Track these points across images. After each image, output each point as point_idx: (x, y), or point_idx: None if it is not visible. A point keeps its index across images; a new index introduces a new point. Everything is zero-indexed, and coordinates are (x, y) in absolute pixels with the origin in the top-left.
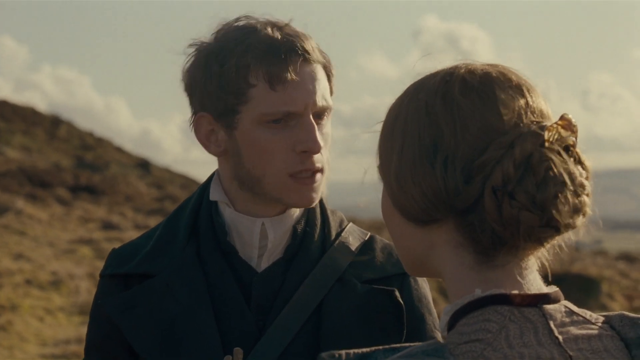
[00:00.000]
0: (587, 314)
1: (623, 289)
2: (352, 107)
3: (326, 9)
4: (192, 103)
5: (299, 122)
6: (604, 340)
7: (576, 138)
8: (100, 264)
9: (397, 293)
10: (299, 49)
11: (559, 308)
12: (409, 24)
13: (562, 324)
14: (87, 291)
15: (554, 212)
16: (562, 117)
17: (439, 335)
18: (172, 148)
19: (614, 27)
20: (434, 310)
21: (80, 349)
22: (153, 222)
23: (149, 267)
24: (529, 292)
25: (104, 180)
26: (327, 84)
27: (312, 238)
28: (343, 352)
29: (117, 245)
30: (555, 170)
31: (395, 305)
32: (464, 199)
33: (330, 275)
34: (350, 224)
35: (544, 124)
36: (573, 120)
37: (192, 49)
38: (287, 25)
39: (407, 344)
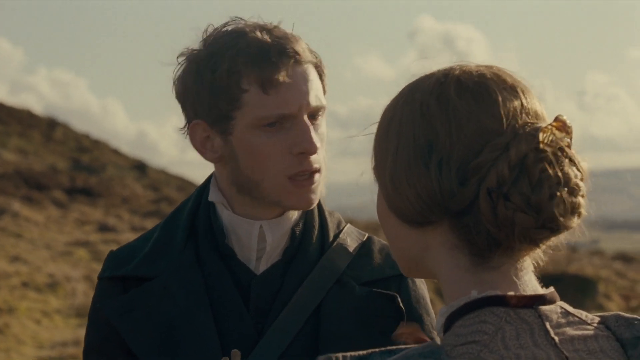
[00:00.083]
0: (582, 314)
1: (620, 289)
2: (348, 107)
3: (322, 10)
4: (186, 111)
5: (293, 124)
6: (600, 341)
7: (571, 139)
8: (96, 266)
9: (398, 299)
10: (289, 50)
11: (555, 309)
12: (404, 24)
13: (558, 325)
14: (83, 293)
15: (549, 213)
16: (556, 119)
17: (437, 336)
18: (168, 150)
19: (610, 27)
20: (432, 311)
21: (77, 351)
22: (149, 224)
23: (147, 270)
24: (525, 294)
25: (100, 183)
26: (319, 83)
27: (311, 240)
28: (340, 355)
29: (113, 247)
30: (550, 171)
31: (396, 310)
32: (459, 200)
33: (328, 278)
34: (348, 224)
35: (539, 125)
36: (567, 121)
37: (182, 57)
38: (275, 27)
39: (403, 346)
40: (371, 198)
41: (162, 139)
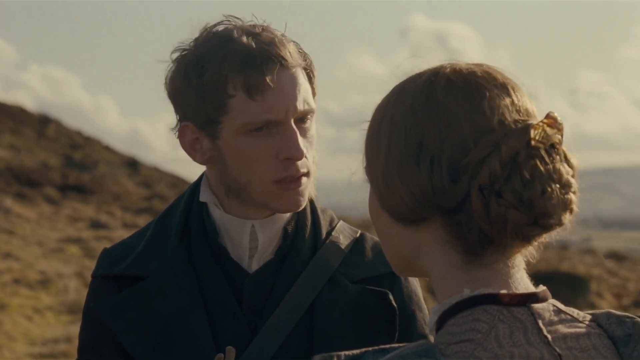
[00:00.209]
0: (574, 312)
1: (612, 288)
2: (341, 105)
3: (315, 7)
4: (176, 111)
5: (280, 129)
6: (592, 339)
7: (562, 136)
8: (88, 263)
9: (390, 296)
10: (275, 56)
11: (547, 307)
12: (397, 22)
13: (551, 323)
14: (75, 290)
15: (541, 209)
16: (547, 115)
17: (430, 333)
18: (160, 147)
19: (602, 25)
20: (425, 307)
21: (68, 347)
22: (142, 221)
23: (140, 269)
24: (517, 292)
25: (92, 179)
26: (308, 86)
27: (303, 238)
28: (334, 354)
29: (105, 244)
30: (541, 168)
31: (388, 308)
32: (451, 198)
33: (321, 276)
34: (341, 222)
35: (530, 122)
36: (559, 118)
37: (175, 54)
38: (264, 30)
39: (396, 345)
40: (363, 196)
41: (154, 136)
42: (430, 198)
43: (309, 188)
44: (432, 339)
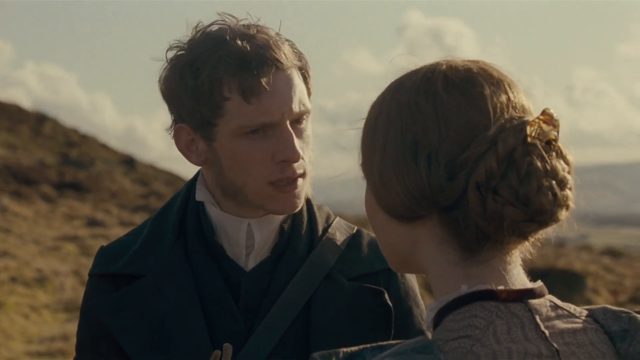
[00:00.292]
0: (571, 307)
1: (608, 284)
2: (337, 103)
3: (311, 5)
4: (171, 112)
5: (276, 131)
6: (589, 334)
7: (558, 132)
8: (85, 261)
9: (386, 295)
10: (269, 60)
11: (544, 302)
12: (393, 20)
13: (548, 319)
14: (72, 288)
15: (537, 206)
16: (543, 112)
17: (427, 329)
18: (157, 145)
19: (599, 22)
20: (422, 303)
21: (65, 346)
22: (138, 218)
23: (137, 268)
24: (514, 288)
25: (89, 177)
26: (303, 87)
27: (299, 236)
28: (333, 351)
29: (102, 242)
30: (538, 164)
31: (384, 307)
32: (447, 195)
33: (317, 273)
34: (337, 218)
35: (526, 119)
36: (554, 114)
37: (170, 53)
38: (259, 32)
39: (394, 342)
40: (359, 193)
41: (150, 133)
42: (426, 195)
43: (305, 189)
44: (429, 335)
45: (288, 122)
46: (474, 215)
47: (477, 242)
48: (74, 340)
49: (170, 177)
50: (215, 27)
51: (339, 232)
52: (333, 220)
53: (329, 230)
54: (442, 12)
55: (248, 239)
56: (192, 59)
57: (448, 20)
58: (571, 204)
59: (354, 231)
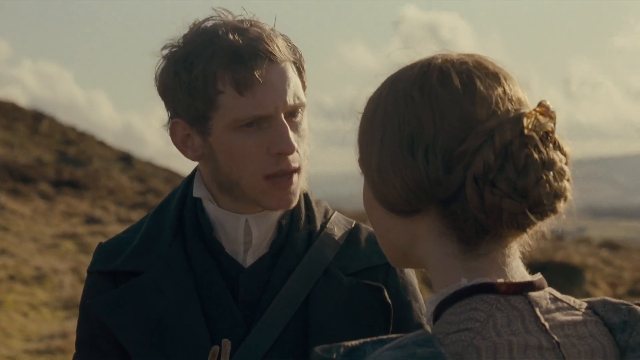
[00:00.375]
0: (570, 300)
1: (606, 277)
2: (333, 97)
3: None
4: (167, 108)
5: (271, 124)
6: (589, 326)
7: (555, 124)
8: (83, 258)
9: (385, 292)
10: (262, 52)
11: (544, 295)
12: (389, 13)
13: (548, 311)
14: (71, 286)
15: (535, 198)
16: (540, 104)
17: (425, 321)
18: (154, 141)
19: (595, 15)
20: (421, 297)
21: (64, 343)
22: (136, 215)
23: (135, 265)
24: (514, 280)
25: (86, 175)
26: (298, 80)
27: (297, 231)
28: (334, 345)
29: (100, 239)
30: (535, 156)
31: (382, 303)
32: (445, 188)
33: (316, 269)
34: (336, 213)
35: (523, 111)
36: (551, 106)
37: (165, 51)
38: (252, 25)
39: (394, 335)
40: (357, 188)
41: (148, 130)
42: (424, 188)
43: (300, 185)
44: (429, 329)
45: (283, 115)
46: (472, 208)
47: (476, 235)
48: (73, 338)
49: (168, 174)
50: (210, 23)
51: (337, 227)
52: (331, 215)
53: (327, 225)
54: (437, 5)
55: (246, 235)
56: (186, 54)
57: (444, 14)
58: (569, 195)
59: (352, 226)
